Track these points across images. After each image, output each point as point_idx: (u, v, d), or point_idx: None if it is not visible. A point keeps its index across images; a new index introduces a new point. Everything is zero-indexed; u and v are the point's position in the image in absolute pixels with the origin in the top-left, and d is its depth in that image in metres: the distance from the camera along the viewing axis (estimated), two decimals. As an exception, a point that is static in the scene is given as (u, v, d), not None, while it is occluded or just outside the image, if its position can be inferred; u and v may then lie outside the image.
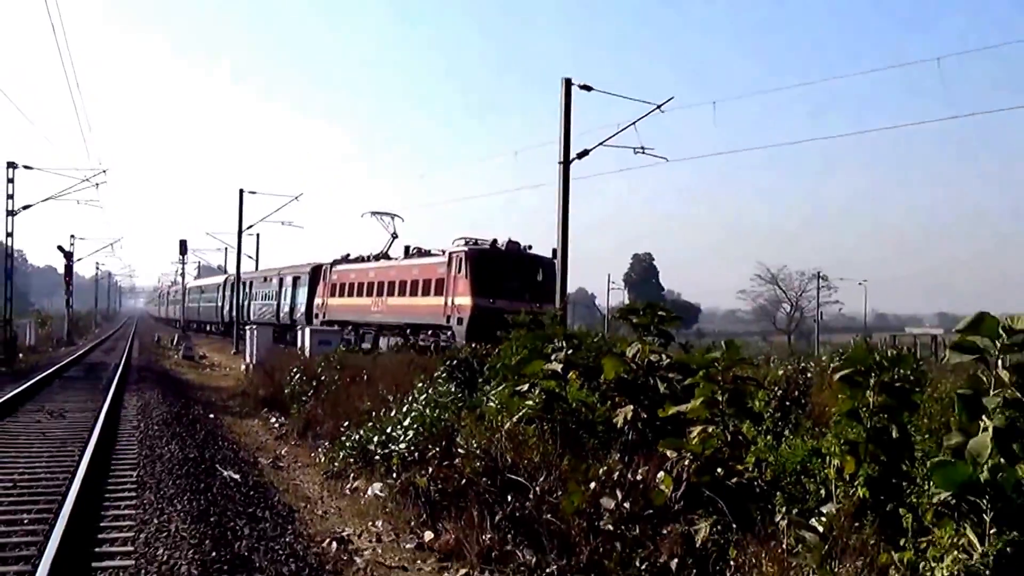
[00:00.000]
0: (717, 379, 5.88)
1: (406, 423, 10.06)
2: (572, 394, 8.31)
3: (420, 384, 12.10)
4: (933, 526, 6.01)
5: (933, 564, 5.92)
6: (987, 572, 5.67)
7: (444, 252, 31.62)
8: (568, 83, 23.01)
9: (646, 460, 6.20)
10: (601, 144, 22.78)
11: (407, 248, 36.04)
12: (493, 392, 9.46)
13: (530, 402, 8.06)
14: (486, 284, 28.38)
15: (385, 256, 38.90)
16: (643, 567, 5.95)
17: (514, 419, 7.82)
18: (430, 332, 31.09)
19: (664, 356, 7.13)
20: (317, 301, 41.90)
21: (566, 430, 7.69)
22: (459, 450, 8.13)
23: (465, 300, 28.89)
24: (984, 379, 6.15)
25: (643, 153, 22.59)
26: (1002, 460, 6.08)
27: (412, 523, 8.31)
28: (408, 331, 32.44)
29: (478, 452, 7.52)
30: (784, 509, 5.89)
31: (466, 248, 29.94)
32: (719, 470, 5.80)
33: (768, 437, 6.16)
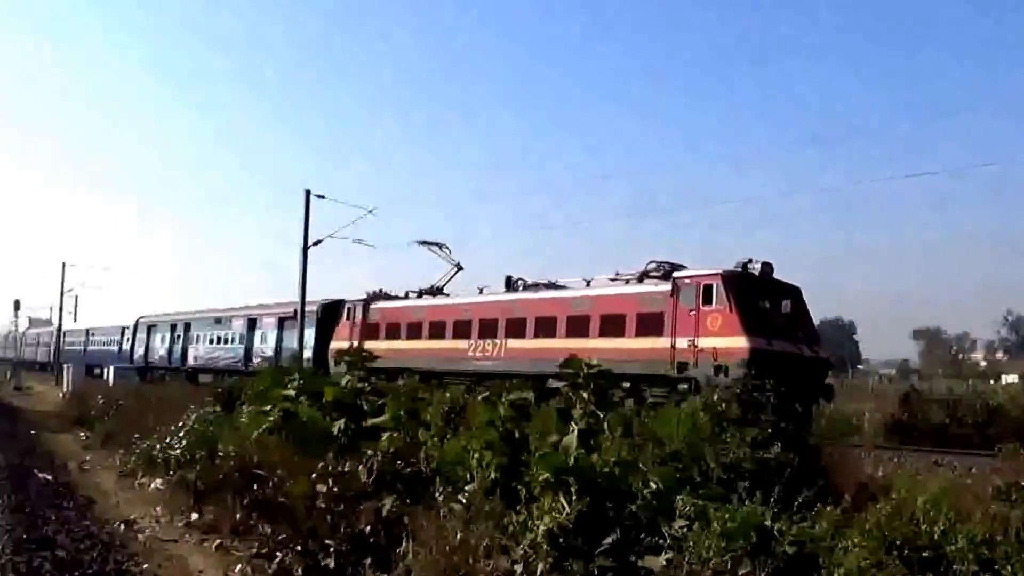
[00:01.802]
0: (401, 400, 8.43)
1: (181, 435, 12.52)
2: (303, 412, 10.55)
3: (192, 406, 14.71)
4: (539, 496, 8.88)
5: (538, 521, 8.80)
6: (570, 524, 8.61)
7: (635, 278, 23.74)
8: (308, 193, 32.83)
9: (352, 457, 8.67)
10: (329, 236, 32.58)
11: (509, 280, 28.01)
12: (245, 412, 12.14)
13: (271, 418, 10.42)
14: (756, 320, 20.62)
15: (439, 291, 31.55)
16: (346, 531, 8.35)
17: (260, 431, 10.20)
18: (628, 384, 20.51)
19: (367, 384, 9.78)
20: (339, 345, 31.22)
21: (298, 437, 9.76)
22: (219, 453, 10.40)
23: (730, 342, 20.33)
24: (573, 398, 9.15)
25: (360, 243, 32.84)
26: (583, 451, 9.09)
27: (183, 508, 10.50)
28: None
29: (233, 455, 9.76)
30: (442, 488, 8.48)
31: (720, 270, 21.29)
32: (399, 462, 8.34)
33: (435, 439, 8.77)
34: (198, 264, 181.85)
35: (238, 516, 8.77)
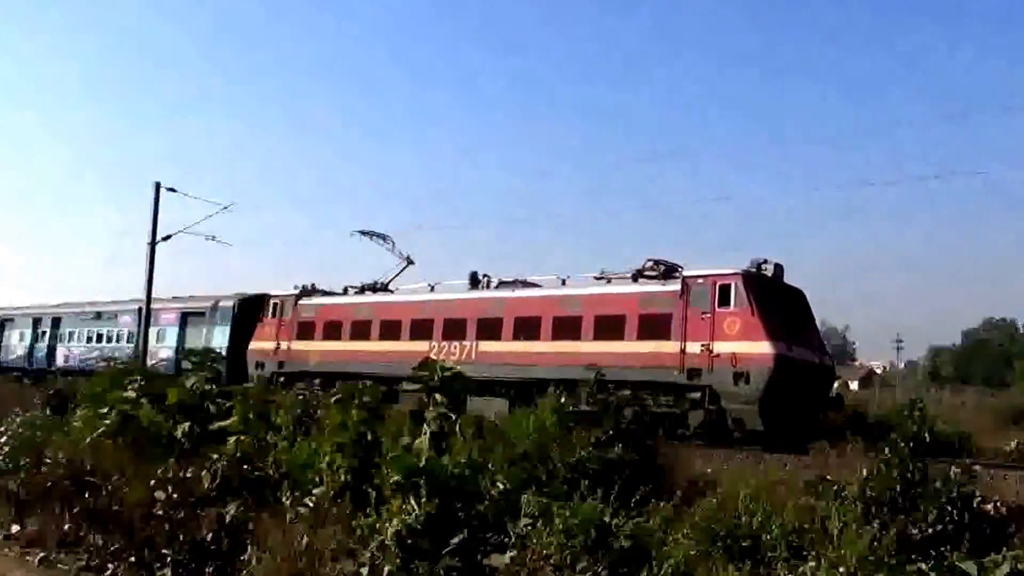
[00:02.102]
0: (250, 402, 8.31)
1: (2, 440, 11.15)
2: (143, 415, 9.84)
3: (17, 409, 13.16)
4: (389, 498, 9.01)
5: (387, 523, 8.93)
6: (419, 526, 8.80)
7: (629, 276, 21.99)
8: (158, 185, 30.86)
9: (195, 462, 8.41)
10: (181, 231, 30.56)
11: (475, 276, 25.51)
12: (79, 414, 10.98)
13: (107, 421, 9.70)
14: (777, 324, 19.06)
15: (384, 288, 28.31)
16: (186, 540, 8.11)
17: (94, 435, 9.58)
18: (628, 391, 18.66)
19: (214, 386, 9.49)
20: (262, 345, 28.47)
21: (137, 442, 9.24)
22: (47, 460, 9.71)
23: (752, 347, 18.76)
24: (427, 400, 9.36)
25: (213, 240, 31.24)
26: (434, 453, 9.32)
27: (2, 520, 9.66)
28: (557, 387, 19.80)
29: (63, 461, 9.13)
30: (289, 492, 8.45)
31: (740, 270, 19.71)
32: (246, 467, 8.20)
33: (285, 442, 8.71)
34: (44, 258, 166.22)
35: (67, 527, 8.24)
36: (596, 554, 6.84)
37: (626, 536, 7.78)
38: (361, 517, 8.30)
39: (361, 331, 26.19)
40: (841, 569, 8.91)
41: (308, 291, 28.93)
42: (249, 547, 7.31)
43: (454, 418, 8.12)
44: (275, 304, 29.04)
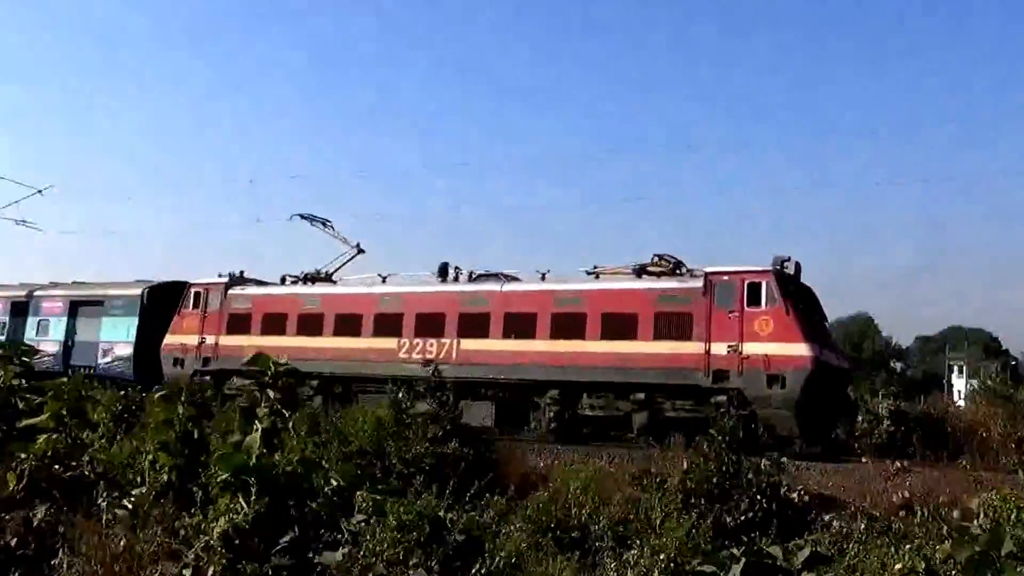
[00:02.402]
0: (63, 398, 7.90)
1: None
2: None
3: None
4: (217, 497, 8.86)
5: (213, 523, 8.78)
6: (247, 525, 8.72)
7: (631, 272, 21.35)
8: None
9: (1, 462, 7.96)
10: None
11: (445, 268, 23.96)
12: None
13: None
14: (808, 325, 18.61)
15: (328, 279, 26.32)
16: (-17, 547, 7.66)
17: None
18: (642, 396, 19.15)
19: (23, 381, 8.88)
20: (181, 340, 25.90)
21: None
22: None
23: (787, 349, 18.07)
24: (259, 396, 9.26)
25: (24, 224, 30.91)
26: (265, 451, 9.24)
27: None
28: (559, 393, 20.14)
29: None
30: (105, 493, 8.13)
31: (771, 268, 19.11)
32: (57, 466, 7.82)
33: (104, 440, 8.38)
34: None
35: None
36: (430, 549, 7.06)
37: (460, 530, 8.06)
38: (186, 518, 8.10)
39: (311, 325, 24.15)
40: (662, 556, 9.65)
41: (239, 280, 26.57)
42: (60, 551, 6.98)
43: (287, 415, 8.04)
44: (198, 294, 26.31)
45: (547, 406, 20.19)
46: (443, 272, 23.93)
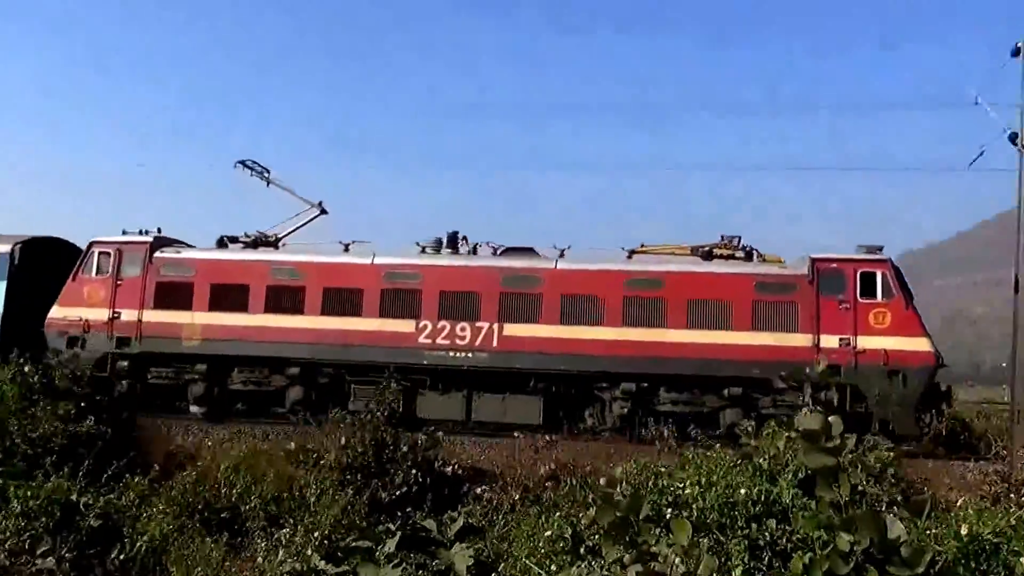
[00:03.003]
0: None
1: None
2: None
3: None
4: None
5: None
6: None
7: (698, 253, 19.97)
8: None
9: None
10: None
11: (455, 237, 21.15)
12: None
13: None
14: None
15: (275, 244, 22.30)
16: None
17: None
18: (721, 391, 18.42)
19: None
20: (80, 314, 20.89)
21: None
22: None
23: (909, 344, 17.91)
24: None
25: None
26: None
27: None
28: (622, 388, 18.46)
29: None
30: None
31: (886, 256, 18.68)
32: None
33: None
34: None
35: None
36: (61, 536, 6.71)
37: (96, 515, 7.71)
38: None
39: (286, 300, 20.70)
40: (316, 534, 9.97)
41: (165, 240, 21.97)
42: None
43: None
44: (105, 255, 21.53)
45: (614, 401, 19.12)
46: (452, 242, 21.43)
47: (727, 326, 18.95)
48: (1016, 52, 16.77)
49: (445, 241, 21.27)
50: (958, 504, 9.96)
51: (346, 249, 21.23)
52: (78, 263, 21.54)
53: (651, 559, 3.52)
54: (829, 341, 18.36)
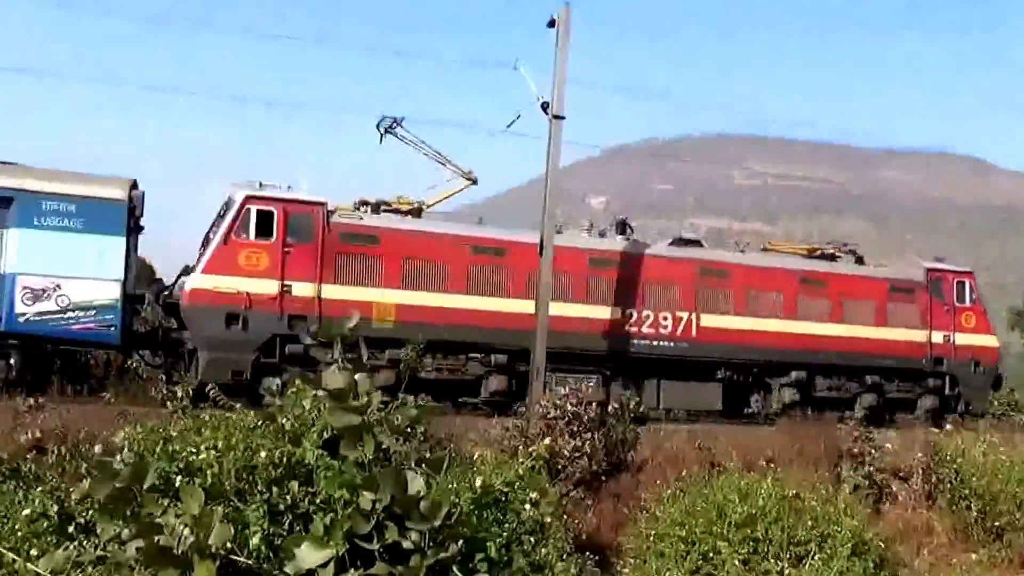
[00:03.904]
0: None
1: None
2: None
3: None
4: None
5: None
6: None
7: (828, 255, 25.11)
8: None
9: None
10: None
11: (624, 224, 22.50)
12: None
13: None
14: None
15: (418, 211, 20.60)
16: None
17: None
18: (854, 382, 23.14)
19: None
20: (240, 285, 17.60)
21: None
22: None
23: (985, 340, 25.41)
24: None
25: None
26: None
27: None
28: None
29: None
30: None
31: (968, 268, 26.87)
32: None
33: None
34: None
35: None
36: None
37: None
38: None
39: (488, 281, 20.30)
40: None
41: (364, 203, 20.41)
42: None
43: None
44: (265, 213, 18.61)
45: (782, 388, 22.02)
46: (623, 230, 22.82)
47: (869, 322, 23.40)
48: (552, 23, 18.84)
49: (616, 228, 22.75)
50: (476, 457, 11.22)
51: (559, 231, 20.56)
52: (229, 221, 18.61)
53: (157, 532, 3.37)
54: (937, 337, 23.98)
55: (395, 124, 21.83)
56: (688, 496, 13.02)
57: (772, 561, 12.01)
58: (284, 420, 4.34)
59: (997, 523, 15.81)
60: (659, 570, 12.06)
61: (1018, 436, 19.19)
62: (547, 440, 14.14)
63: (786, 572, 11.99)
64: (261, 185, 19.58)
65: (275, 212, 18.99)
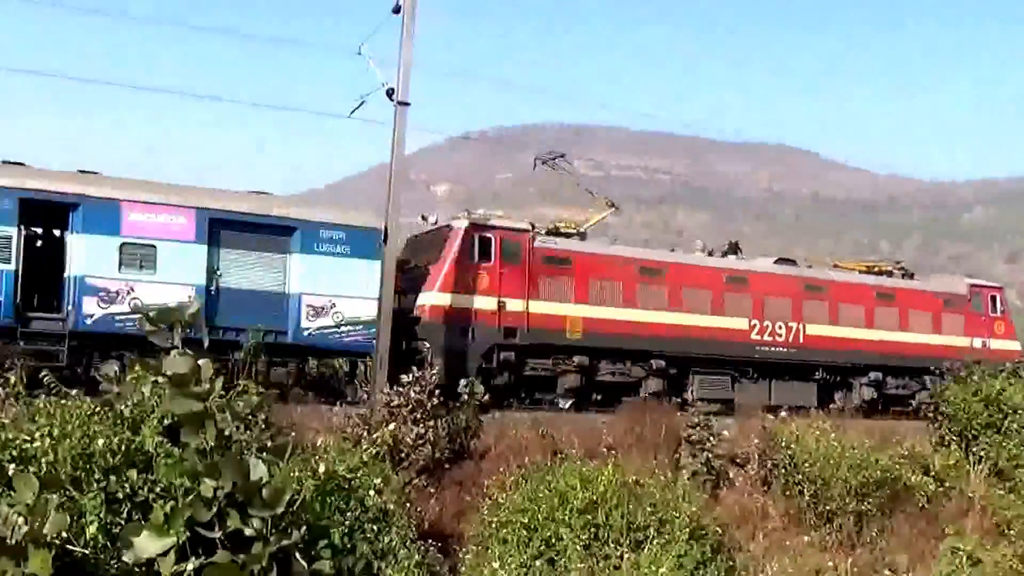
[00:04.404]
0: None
1: None
2: None
3: None
4: None
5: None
6: None
7: (885, 272, 30.90)
8: None
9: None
10: None
11: (735, 247, 28.41)
12: None
13: None
14: None
15: (582, 234, 25.62)
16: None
17: None
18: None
19: None
20: (467, 303, 21.38)
21: None
22: None
23: (1011, 345, 30.52)
24: None
25: None
26: None
27: None
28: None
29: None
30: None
31: (996, 284, 33.08)
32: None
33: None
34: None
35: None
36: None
37: None
38: None
39: (651, 296, 24.18)
40: None
41: (550, 232, 24.45)
42: None
43: None
44: (486, 240, 22.28)
45: (863, 386, 27.28)
46: (734, 250, 27.78)
47: (928, 330, 28.73)
48: (396, 9, 18.82)
49: (729, 248, 27.80)
50: (318, 444, 11.30)
51: (710, 253, 27.23)
52: (457, 247, 21.85)
53: (-12, 522, 3.38)
54: (976, 343, 29.00)
55: (557, 158, 26.77)
56: (530, 483, 13.49)
57: (612, 546, 12.64)
58: (123, 407, 4.35)
59: (828, 507, 16.99)
60: (501, 556, 12.48)
61: (849, 423, 20.58)
62: (391, 427, 14.32)
63: (626, 557, 12.65)
64: (468, 213, 23.23)
65: (492, 239, 22.37)
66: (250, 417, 5.24)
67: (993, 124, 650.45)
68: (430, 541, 11.23)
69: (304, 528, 4.27)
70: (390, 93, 18.78)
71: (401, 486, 12.49)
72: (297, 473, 7.80)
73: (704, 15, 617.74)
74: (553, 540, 12.62)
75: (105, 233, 18.38)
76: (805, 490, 17.20)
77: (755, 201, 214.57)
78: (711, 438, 17.52)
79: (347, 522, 8.68)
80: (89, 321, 17.94)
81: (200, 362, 4.33)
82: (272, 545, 4.05)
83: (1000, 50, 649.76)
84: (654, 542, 12.86)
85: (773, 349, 25.77)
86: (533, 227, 23.74)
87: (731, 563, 14.00)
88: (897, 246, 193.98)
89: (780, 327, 25.98)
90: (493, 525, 13.14)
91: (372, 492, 9.55)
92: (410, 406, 15.29)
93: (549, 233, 24.42)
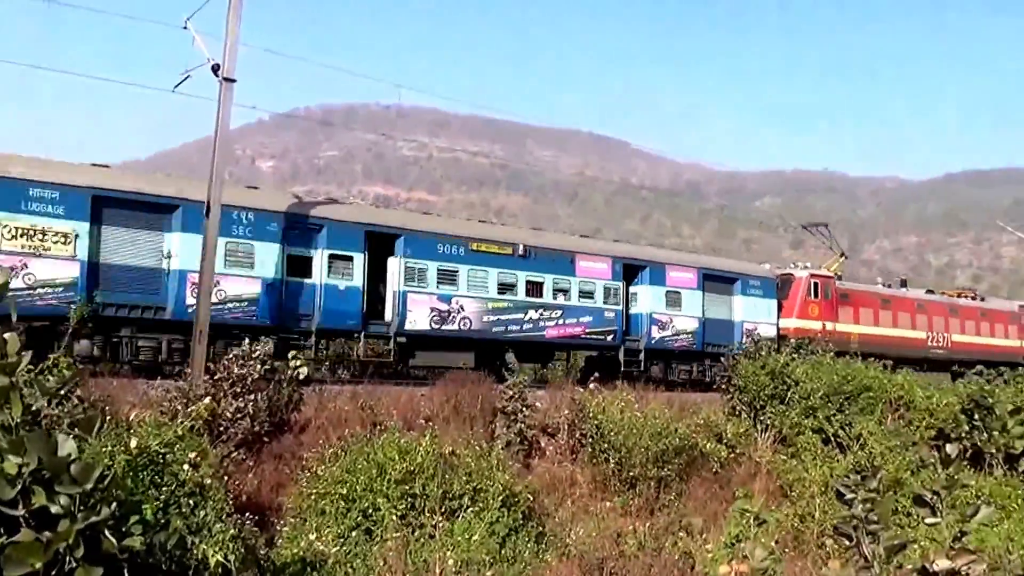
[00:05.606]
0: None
1: None
2: None
3: None
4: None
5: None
6: None
7: (970, 295, 47.73)
8: None
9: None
10: None
11: (904, 283, 46.16)
12: None
13: None
14: None
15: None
16: None
17: None
18: None
19: None
20: (808, 326, 35.09)
21: None
22: None
23: None
24: None
25: None
26: None
27: None
28: None
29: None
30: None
31: None
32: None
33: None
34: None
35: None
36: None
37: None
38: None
39: (884, 317, 38.97)
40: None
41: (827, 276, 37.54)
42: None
43: None
44: (813, 282, 36.06)
45: (973, 375, 36.66)
46: (903, 284, 45.36)
47: (1002, 336, 44.75)
48: None
49: (900, 283, 44.83)
50: (131, 418, 10.86)
51: (888, 285, 43.84)
52: (804, 288, 35.80)
53: None
54: None
55: (817, 226, 41.90)
56: (350, 455, 13.45)
57: (428, 515, 12.80)
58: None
59: (631, 474, 17.78)
60: (319, 527, 12.41)
61: (651, 395, 21.54)
62: (207, 400, 13.94)
63: (441, 526, 12.84)
64: (795, 264, 39.05)
65: (818, 283, 36.09)
66: (61, 391, 5.03)
67: (781, 120, 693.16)
68: (248, 515, 11.03)
69: (115, 504, 4.15)
70: (215, 69, 18.14)
71: (219, 460, 12.18)
72: (109, 448, 7.51)
73: (531, 5, 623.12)
74: (371, 511, 12.65)
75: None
76: (611, 458, 17.86)
77: (568, 185, 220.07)
78: (524, 409, 17.93)
79: (161, 497, 8.43)
80: None
81: (6, 336, 4.13)
82: (80, 522, 3.92)
83: (773, 58, 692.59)
84: (468, 511, 13.10)
85: (934, 351, 40.79)
86: (840, 277, 38.33)
87: (541, 529, 14.41)
88: (697, 230, 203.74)
89: (939, 335, 41.33)
90: (312, 497, 13.04)
91: (187, 467, 9.28)
92: (231, 380, 14.91)
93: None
